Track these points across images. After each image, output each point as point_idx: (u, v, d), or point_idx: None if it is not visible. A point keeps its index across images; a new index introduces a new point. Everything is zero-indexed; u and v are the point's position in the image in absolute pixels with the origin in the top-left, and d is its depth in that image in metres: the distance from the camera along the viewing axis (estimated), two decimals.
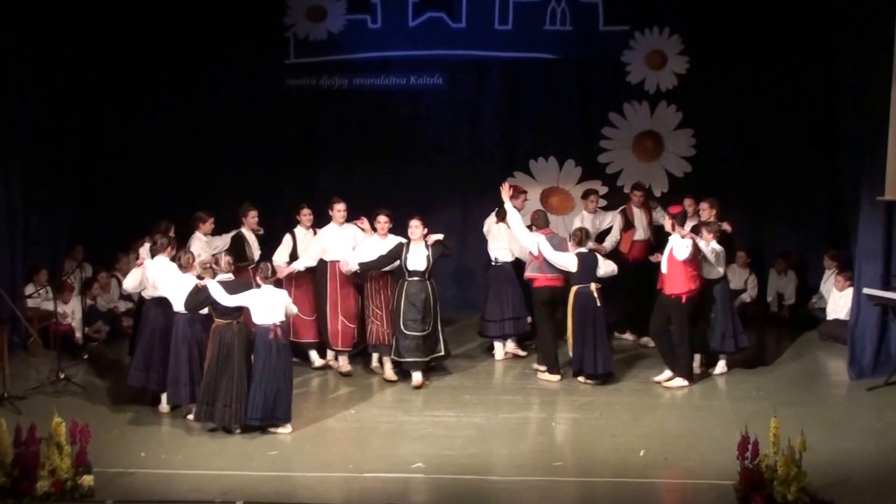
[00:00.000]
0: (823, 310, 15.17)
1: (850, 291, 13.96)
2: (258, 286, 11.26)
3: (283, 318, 11.20)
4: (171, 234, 12.60)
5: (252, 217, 13.71)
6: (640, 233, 15.05)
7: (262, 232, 13.86)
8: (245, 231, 13.67)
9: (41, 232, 14.60)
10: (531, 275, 13.24)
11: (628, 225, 15.03)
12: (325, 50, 16.49)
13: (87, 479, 9.32)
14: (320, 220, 13.62)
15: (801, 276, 16.11)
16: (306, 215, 13.66)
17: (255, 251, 13.60)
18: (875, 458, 10.28)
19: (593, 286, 12.72)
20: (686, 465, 10.15)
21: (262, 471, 10.00)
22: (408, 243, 12.66)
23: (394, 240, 12.91)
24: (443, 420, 11.52)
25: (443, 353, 12.89)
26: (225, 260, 11.50)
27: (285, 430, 11.06)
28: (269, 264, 11.59)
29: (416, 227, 12.74)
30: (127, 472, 9.85)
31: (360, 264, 12.82)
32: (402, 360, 12.65)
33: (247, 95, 16.60)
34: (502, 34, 16.43)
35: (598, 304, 12.70)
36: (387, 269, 12.91)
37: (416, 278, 12.56)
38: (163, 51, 16.16)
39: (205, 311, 11.30)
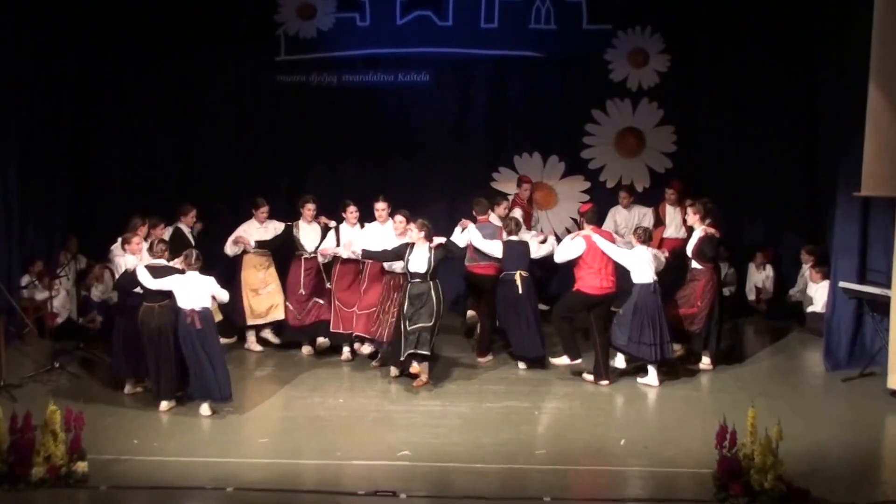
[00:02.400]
0: (800, 303, 15.39)
1: (826, 284, 14.15)
2: (182, 272, 11.57)
3: (205, 305, 11.50)
4: (146, 229, 13.00)
5: (191, 216, 14.24)
6: (672, 230, 15.20)
7: (200, 227, 14.53)
8: (183, 227, 14.10)
9: (36, 223, 14.71)
10: (467, 264, 13.68)
11: (658, 222, 15.24)
12: (314, 47, 16.58)
13: (82, 466, 9.39)
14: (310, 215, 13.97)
15: (778, 270, 16.28)
16: (352, 212, 13.77)
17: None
18: (849, 448, 10.40)
19: (518, 274, 13.04)
20: (665, 453, 10.24)
21: (252, 458, 10.07)
22: (412, 244, 12.51)
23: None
24: (428, 409, 11.62)
25: (428, 352, 12.36)
26: (158, 247, 11.85)
27: (205, 411, 11.36)
28: (193, 251, 11.83)
29: (399, 222, 12.89)
30: (120, 458, 9.91)
31: (364, 251, 13.04)
32: (415, 350, 12.24)
33: (238, 91, 16.66)
34: (488, 32, 16.54)
35: (521, 291, 13.01)
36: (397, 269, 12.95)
37: (417, 280, 12.39)
38: (156, 47, 16.14)
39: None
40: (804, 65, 15.63)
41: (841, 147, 13.13)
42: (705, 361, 13.23)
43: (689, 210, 13.54)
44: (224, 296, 11.93)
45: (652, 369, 12.58)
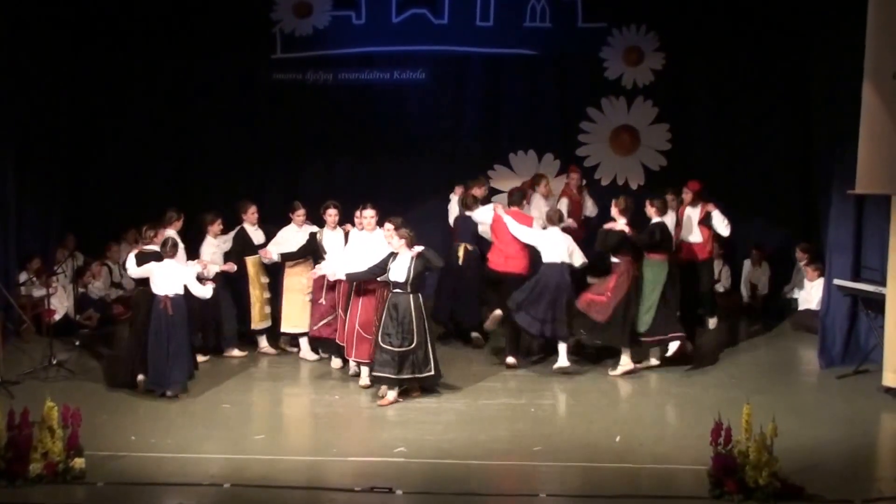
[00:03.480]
0: (795, 300, 15.43)
1: (820, 282, 14.18)
2: (160, 259, 11.86)
3: (178, 292, 11.76)
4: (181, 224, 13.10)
5: (251, 213, 13.77)
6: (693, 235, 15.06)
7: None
8: (247, 225, 13.78)
9: (34, 221, 14.74)
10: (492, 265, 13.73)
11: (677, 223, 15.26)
12: (310, 45, 16.67)
13: (79, 462, 9.38)
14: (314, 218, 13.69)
15: (773, 267, 16.32)
16: (333, 216, 13.35)
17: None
18: (844, 445, 10.41)
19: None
20: (660, 450, 10.26)
21: (249, 454, 10.08)
22: (395, 253, 11.79)
23: (380, 234, 12.32)
24: (424, 406, 11.64)
25: (432, 373, 11.84)
26: (148, 234, 12.13)
27: (172, 395, 11.66)
28: (170, 239, 12.01)
29: (388, 230, 12.03)
30: (117, 455, 9.92)
31: (348, 275, 12.30)
32: (373, 373, 11.84)
33: (234, 89, 16.72)
34: (483, 30, 16.64)
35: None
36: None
37: (398, 290, 11.69)
38: (153, 44, 16.24)
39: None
40: (798, 63, 15.69)
41: (835, 145, 13.12)
42: (624, 361, 12.88)
43: (614, 203, 13.16)
44: (200, 291, 12.10)
45: (562, 350, 12.79)
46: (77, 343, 13.87)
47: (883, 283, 12.22)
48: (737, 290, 16.44)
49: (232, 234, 13.70)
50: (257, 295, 13.74)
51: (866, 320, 12.99)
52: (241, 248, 13.61)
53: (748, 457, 9.07)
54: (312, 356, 13.58)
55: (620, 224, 12.78)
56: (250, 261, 13.67)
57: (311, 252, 13.35)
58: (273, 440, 10.59)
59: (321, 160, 16.85)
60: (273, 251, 13.43)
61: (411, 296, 11.68)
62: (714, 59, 16.38)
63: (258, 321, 13.81)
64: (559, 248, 12.87)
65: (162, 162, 16.58)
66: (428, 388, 12.01)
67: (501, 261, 13.35)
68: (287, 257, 13.46)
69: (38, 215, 14.88)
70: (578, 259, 13.05)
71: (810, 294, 14.94)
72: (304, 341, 13.64)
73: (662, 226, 12.99)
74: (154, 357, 11.69)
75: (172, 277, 11.80)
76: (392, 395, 11.72)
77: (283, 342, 13.99)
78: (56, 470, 9.31)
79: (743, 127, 16.43)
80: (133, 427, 10.79)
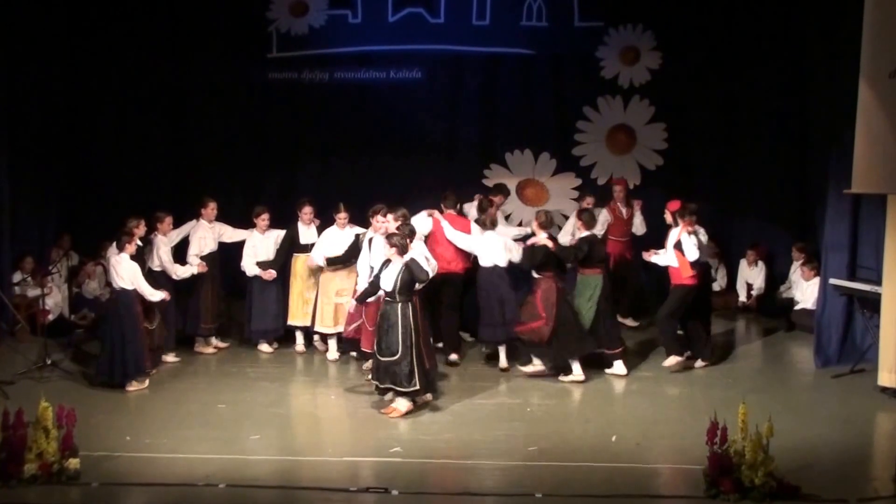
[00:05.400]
0: (791, 299, 15.44)
1: (816, 281, 14.19)
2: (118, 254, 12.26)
3: (126, 287, 12.12)
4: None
5: (307, 211, 13.80)
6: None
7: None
8: (300, 225, 13.81)
9: (28, 220, 14.70)
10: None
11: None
12: (306, 44, 16.66)
13: (74, 462, 9.37)
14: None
15: (769, 267, 16.34)
16: (307, 212, 13.67)
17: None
18: (840, 444, 10.44)
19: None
20: (657, 450, 10.31)
21: (244, 455, 10.08)
22: (389, 260, 11.44)
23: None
24: (420, 406, 11.57)
25: (417, 387, 11.22)
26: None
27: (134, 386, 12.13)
28: (123, 235, 12.26)
29: (378, 220, 12.38)
30: (112, 455, 9.92)
31: (328, 258, 12.63)
32: (396, 388, 11.29)
33: (230, 88, 16.70)
34: (480, 29, 16.63)
35: None
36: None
37: (388, 299, 11.31)
38: (148, 43, 16.23)
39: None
40: (795, 63, 15.69)
41: (832, 145, 13.14)
42: (576, 371, 12.61)
43: (535, 217, 13.11)
44: (145, 292, 12.25)
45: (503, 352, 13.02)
46: (71, 343, 13.85)
47: (878, 282, 12.24)
48: (733, 290, 16.48)
49: (253, 231, 13.83)
50: (299, 292, 13.78)
51: (862, 320, 13.01)
52: (290, 246, 13.72)
53: (744, 456, 9.10)
54: (334, 356, 13.60)
55: (542, 238, 12.66)
56: (299, 258, 13.72)
57: (356, 254, 13.14)
58: (268, 440, 10.57)
59: (317, 159, 16.85)
60: (318, 258, 13.43)
61: (399, 305, 11.22)
62: (710, 59, 16.39)
63: (297, 318, 13.85)
64: (495, 252, 12.91)
65: (157, 161, 16.55)
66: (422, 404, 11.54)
67: (444, 264, 13.08)
68: (332, 262, 13.42)
69: (33, 215, 14.83)
70: (516, 255, 12.94)
71: (806, 294, 14.95)
72: (332, 342, 13.66)
73: (591, 239, 12.86)
74: (105, 349, 12.25)
75: (123, 273, 12.18)
76: (403, 403, 11.30)
77: (316, 341, 14.06)
78: (51, 470, 9.30)
79: (739, 126, 16.45)
80: (128, 427, 10.78)
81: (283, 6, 16.66)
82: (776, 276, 16.27)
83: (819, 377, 12.88)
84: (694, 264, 12.79)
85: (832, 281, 13.19)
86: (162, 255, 13.19)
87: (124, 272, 12.12)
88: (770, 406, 10.43)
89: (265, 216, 13.81)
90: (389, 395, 11.42)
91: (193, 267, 13.36)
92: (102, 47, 16.24)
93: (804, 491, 9.06)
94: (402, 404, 11.28)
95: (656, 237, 14.00)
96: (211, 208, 13.79)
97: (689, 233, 12.79)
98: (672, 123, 16.75)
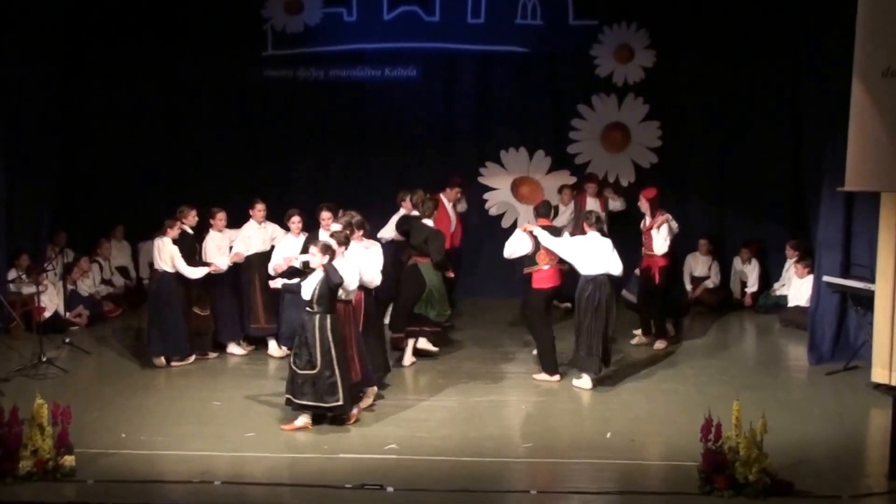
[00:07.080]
0: (785, 297, 15.47)
1: (810, 279, 14.21)
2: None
3: (167, 269, 12.80)
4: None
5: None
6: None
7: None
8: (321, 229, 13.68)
9: (23, 217, 14.70)
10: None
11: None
12: (301, 42, 16.69)
13: (69, 460, 9.38)
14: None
15: (763, 264, 16.38)
16: (259, 210, 13.58)
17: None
18: (833, 441, 10.44)
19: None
20: (651, 446, 10.33)
21: (239, 452, 10.08)
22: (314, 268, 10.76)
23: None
24: (415, 403, 11.64)
25: (339, 402, 10.60)
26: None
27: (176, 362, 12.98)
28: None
29: (325, 218, 12.58)
30: (108, 452, 9.91)
31: (285, 285, 11.66)
32: (320, 404, 10.68)
33: (225, 86, 16.76)
34: (475, 28, 16.67)
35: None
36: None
37: (308, 309, 10.67)
38: (144, 41, 16.26)
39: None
40: (788, 60, 15.70)
41: (825, 142, 13.10)
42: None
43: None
44: (185, 271, 12.90)
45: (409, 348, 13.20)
46: (67, 340, 13.83)
47: (872, 279, 12.25)
48: (726, 287, 16.49)
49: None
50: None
51: (855, 317, 13.01)
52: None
53: (738, 453, 9.10)
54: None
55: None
56: None
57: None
58: (264, 437, 10.56)
59: (312, 157, 16.87)
60: (276, 281, 13.28)
61: (317, 317, 10.60)
62: (705, 57, 16.40)
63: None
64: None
65: (153, 159, 16.57)
66: (336, 418, 10.82)
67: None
68: (288, 289, 13.25)
69: (29, 212, 14.83)
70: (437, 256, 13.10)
71: (800, 291, 15.00)
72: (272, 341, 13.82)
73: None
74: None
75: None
76: (302, 420, 10.76)
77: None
78: (46, 467, 9.29)
79: (733, 124, 16.49)
80: (123, 424, 10.76)
81: (278, 4, 16.70)
82: (770, 274, 16.29)
83: (813, 374, 12.89)
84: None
85: (826, 278, 13.19)
86: (208, 248, 13.29)
87: (164, 254, 12.82)
88: (764, 403, 10.41)
89: (261, 205, 13.66)
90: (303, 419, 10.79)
91: (206, 268, 13.12)
92: (98, 45, 16.26)
93: (798, 487, 9.07)
94: (301, 420, 10.77)
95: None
96: (258, 209, 13.60)
97: (665, 222, 13.35)
98: (666, 121, 16.78)
